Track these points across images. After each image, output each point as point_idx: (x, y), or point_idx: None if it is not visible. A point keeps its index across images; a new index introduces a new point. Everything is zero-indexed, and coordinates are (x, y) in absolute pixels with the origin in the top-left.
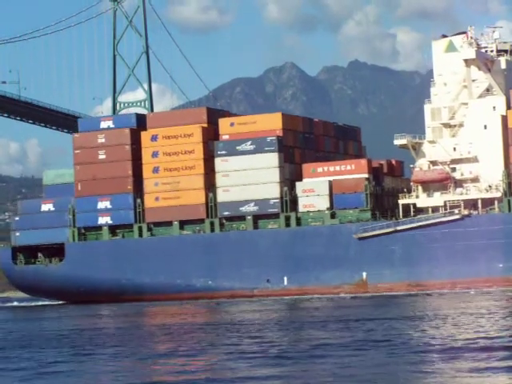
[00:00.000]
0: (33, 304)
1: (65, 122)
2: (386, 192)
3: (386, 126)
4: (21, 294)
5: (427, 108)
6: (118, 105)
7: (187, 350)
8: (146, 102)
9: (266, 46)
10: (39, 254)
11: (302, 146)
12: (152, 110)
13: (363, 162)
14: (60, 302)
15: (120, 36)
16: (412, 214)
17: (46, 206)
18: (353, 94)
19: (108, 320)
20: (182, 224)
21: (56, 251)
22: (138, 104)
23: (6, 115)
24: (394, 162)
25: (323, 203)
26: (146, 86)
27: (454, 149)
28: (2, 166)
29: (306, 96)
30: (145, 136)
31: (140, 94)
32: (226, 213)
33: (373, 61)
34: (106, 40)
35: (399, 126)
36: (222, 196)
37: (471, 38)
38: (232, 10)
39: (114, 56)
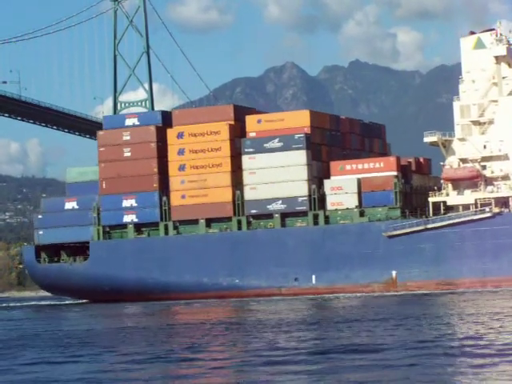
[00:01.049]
0: (51, 303)
1: (65, 121)
2: (414, 190)
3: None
4: (20, 294)
5: (456, 105)
6: (118, 104)
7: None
8: (147, 102)
9: (266, 45)
10: (62, 253)
11: (328, 143)
12: (153, 109)
13: (392, 159)
14: (75, 301)
15: (121, 36)
16: (442, 212)
17: (70, 204)
18: (353, 94)
19: (139, 319)
20: (209, 222)
21: (79, 250)
22: (139, 104)
23: (6, 115)
24: (421, 160)
25: (352, 201)
26: (146, 86)
27: (485, 146)
28: (3, 166)
29: (306, 96)
30: (171, 133)
31: (141, 94)
32: (254, 211)
33: (373, 61)
34: (106, 40)
35: (401, 125)
36: (249, 194)
37: (500, 34)
38: (232, 10)
39: (115, 56)
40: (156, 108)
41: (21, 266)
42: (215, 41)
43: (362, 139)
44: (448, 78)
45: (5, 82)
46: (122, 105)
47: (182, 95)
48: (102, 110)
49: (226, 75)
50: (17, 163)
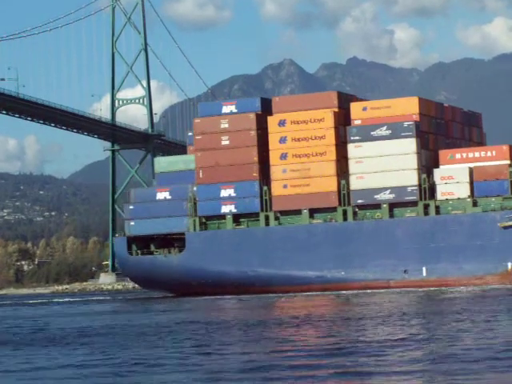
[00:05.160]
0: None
1: (63, 118)
2: None
3: None
4: (18, 292)
5: None
6: (116, 102)
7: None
8: (145, 99)
9: (263, 42)
10: (151, 245)
11: (434, 131)
12: (151, 106)
13: (505, 148)
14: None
15: (119, 33)
16: None
17: (162, 195)
18: (351, 91)
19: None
20: (312, 212)
21: (168, 242)
22: (137, 101)
23: (4, 112)
24: None
25: (464, 191)
26: (144, 83)
27: None
28: (0, 163)
29: (304, 93)
30: (272, 121)
31: (139, 91)
32: (360, 201)
33: (371, 58)
34: (104, 37)
35: None
36: (355, 183)
37: None
38: (229, 7)
39: (113, 53)
40: (154, 105)
41: (18, 263)
42: (213, 38)
43: (462, 128)
44: (446, 75)
45: (3, 79)
46: (120, 102)
47: (180, 92)
48: (100, 107)
49: (223, 72)
50: (14, 160)
